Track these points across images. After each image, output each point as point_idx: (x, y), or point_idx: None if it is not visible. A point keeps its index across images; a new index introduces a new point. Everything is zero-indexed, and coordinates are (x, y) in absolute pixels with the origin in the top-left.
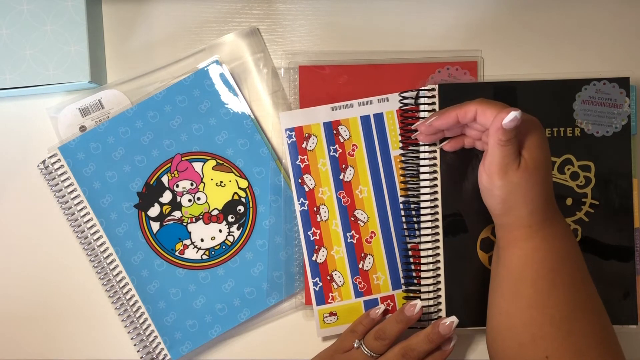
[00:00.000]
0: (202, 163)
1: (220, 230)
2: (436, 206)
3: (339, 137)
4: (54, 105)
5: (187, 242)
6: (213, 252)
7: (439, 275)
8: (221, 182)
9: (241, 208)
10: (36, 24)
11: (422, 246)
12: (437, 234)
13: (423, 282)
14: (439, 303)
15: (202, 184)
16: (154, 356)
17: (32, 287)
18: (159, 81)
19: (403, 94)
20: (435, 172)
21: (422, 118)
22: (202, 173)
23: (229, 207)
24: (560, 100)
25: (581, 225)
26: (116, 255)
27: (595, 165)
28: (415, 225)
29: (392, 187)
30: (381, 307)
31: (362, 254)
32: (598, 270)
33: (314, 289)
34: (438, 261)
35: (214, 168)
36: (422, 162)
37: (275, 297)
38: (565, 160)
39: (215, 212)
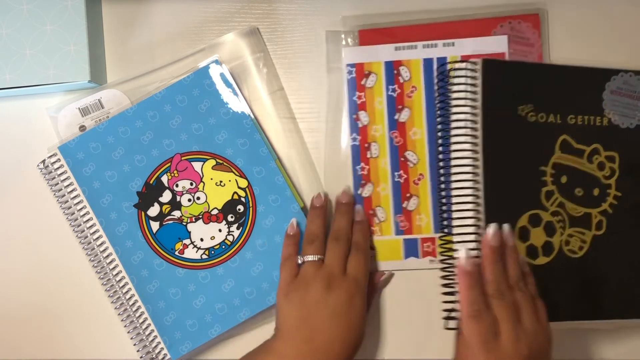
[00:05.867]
0: (202, 162)
1: (219, 230)
2: (478, 189)
3: (399, 77)
4: (53, 105)
5: (187, 241)
6: (213, 252)
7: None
8: (221, 181)
9: (241, 207)
10: (36, 24)
11: (457, 223)
12: (480, 220)
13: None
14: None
15: (201, 184)
16: (154, 356)
17: (31, 287)
18: (159, 81)
19: (441, 68)
20: (477, 168)
21: (462, 92)
22: (202, 172)
23: (229, 207)
24: (591, 88)
25: (606, 217)
26: (116, 255)
27: (619, 156)
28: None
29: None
30: (294, 221)
31: (408, 194)
32: (621, 262)
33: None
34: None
35: (213, 167)
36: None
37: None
38: (594, 150)
39: (214, 212)
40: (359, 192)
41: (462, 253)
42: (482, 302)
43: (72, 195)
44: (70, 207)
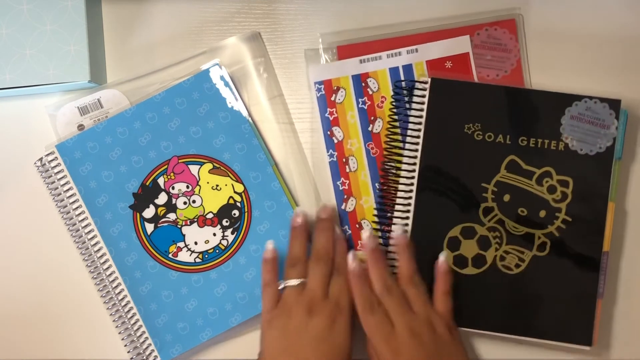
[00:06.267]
0: (199, 166)
1: (214, 234)
2: (410, 197)
3: (368, 89)
4: (52, 103)
5: (181, 244)
6: (206, 256)
7: None
8: (217, 185)
9: (236, 212)
10: (36, 24)
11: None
12: (407, 225)
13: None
14: None
15: (197, 187)
16: (145, 357)
17: (31, 287)
18: (159, 82)
19: (397, 83)
20: (412, 178)
21: (412, 109)
22: (199, 176)
23: (224, 211)
24: (549, 112)
25: (550, 239)
26: (110, 255)
27: (573, 181)
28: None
29: None
30: (269, 244)
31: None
32: (560, 286)
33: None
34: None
35: (210, 171)
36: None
37: None
38: (545, 173)
39: (210, 216)
40: (342, 207)
41: (350, 256)
42: (373, 298)
43: (68, 194)
44: (66, 206)
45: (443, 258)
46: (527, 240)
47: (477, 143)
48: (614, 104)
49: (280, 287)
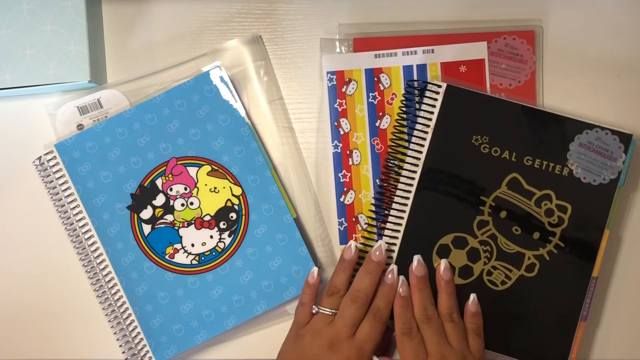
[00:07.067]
0: (197, 168)
1: (211, 236)
2: (408, 197)
3: (380, 84)
4: (52, 102)
5: (178, 246)
6: (203, 258)
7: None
8: (215, 188)
9: (233, 215)
10: (36, 24)
11: (388, 226)
12: (401, 225)
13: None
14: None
15: (195, 189)
16: (139, 358)
17: (27, 286)
18: (159, 83)
19: (409, 82)
20: (413, 179)
21: (422, 111)
22: (197, 178)
23: (222, 214)
24: (559, 136)
25: (540, 262)
26: (106, 256)
27: (572, 208)
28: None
29: None
30: (315, 270)
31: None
32: (542, 309)
33: (339, 228)
34: (394, 243)
35: (208, 174)
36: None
37: (263, 306)
38: (545, 195)
39: (207, 218)
40: (341, 199)
41: (400, 279)
42: (413, 323)
43: (66, 193)
44: (63, 205)
45: (472, 299)
46: (516, 259)
47: (483, 155)
48: (625, 138)
49: (313, 311)
